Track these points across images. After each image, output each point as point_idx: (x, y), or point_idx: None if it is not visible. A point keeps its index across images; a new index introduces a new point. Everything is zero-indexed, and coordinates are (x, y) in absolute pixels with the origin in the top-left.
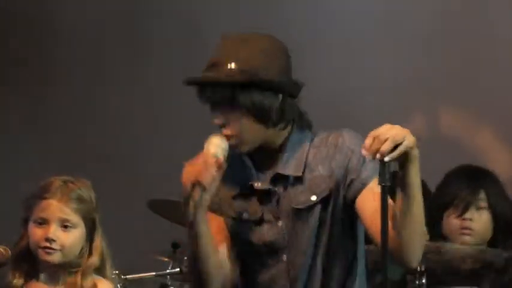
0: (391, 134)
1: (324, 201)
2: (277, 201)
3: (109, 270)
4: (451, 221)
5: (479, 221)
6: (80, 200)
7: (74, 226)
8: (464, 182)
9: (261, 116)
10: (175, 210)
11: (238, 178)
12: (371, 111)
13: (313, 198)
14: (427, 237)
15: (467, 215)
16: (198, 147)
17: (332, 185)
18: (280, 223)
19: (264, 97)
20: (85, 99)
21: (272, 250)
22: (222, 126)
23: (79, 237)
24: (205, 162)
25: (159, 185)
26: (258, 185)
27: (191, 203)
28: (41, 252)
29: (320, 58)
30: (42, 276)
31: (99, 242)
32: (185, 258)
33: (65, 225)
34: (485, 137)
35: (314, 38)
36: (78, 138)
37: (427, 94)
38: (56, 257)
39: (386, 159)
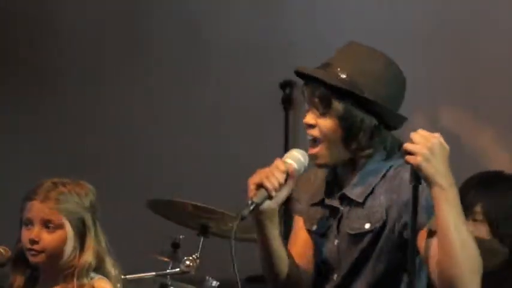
0: (417, 140)
1: (377, 232)
2: (339, 220)
3: (110, 268)
4: None
5: (474, 232)
6: (65, 201)
7: (57, 227)
8: (467, 191)
9: (349, 132)
10: (175, 210)
11: (318, 188)
12: None
13: (367, 226)
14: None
15: None
16: (197, 147)
17: (386, 218)
18: (336, 242)
19: (357, 114)
20: (85, 99)
21: (327, 266)
22: (310, 126)
23: (64, 238)
24: (276, 167)
25: (159, 185)
26: (328, 200)
27: (249, 204)
28: (28, 254)
29: (320, 58)
30: (41, 279)
31: (91, 241)
32: (184, 258)
33: (48, 226)
34: (485, 137)
35: (314, 38)
36: (78, 138)
37: (427, 94)
38: (40, 259)
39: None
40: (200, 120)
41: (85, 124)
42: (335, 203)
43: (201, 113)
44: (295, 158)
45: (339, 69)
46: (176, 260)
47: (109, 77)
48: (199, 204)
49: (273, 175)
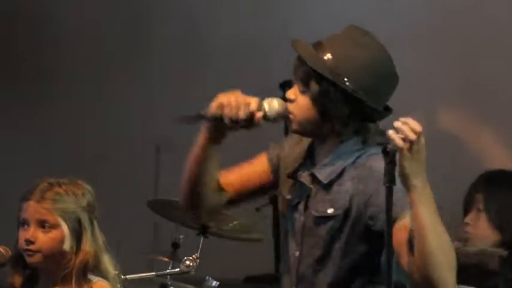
0: (399, 127)
1: (339, 218)
2: (308, 198)
3: (107, 266)
4: (461, 225)
5: (476, 224)
6: (60, 201)
7: (53, 226)
8: (471, 186)
9: (322, 115)
10: (175, 210)
11: (299, 157)
12: None
13: (330, 211)
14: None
15: (466, 219)
16: None
17: (349, 206)
18: (302, 218)
19: (334, 101)
20: (85, 98)
21: (293, 241)
22: (291, 101)
23: (60, 237)
24: (247, 102)
25: (159, 185)
26: (301, 174)
27: (200, 113)
28: (24, 254)
29: None
30: (40, 279)
31: (87, 241)
32: (184, 258)
33: (44, 226)
34: (485, 137)
35: (314, 38)
36: (78, 137)
37: (426, 94)
38: (36, 259)
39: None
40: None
41: (85, 124)
42: (307, 180)
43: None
44: (271, 104)
45: (328, 51)
46: (176, 260)
47: (109, 76)
48: None
49: (239, 108)
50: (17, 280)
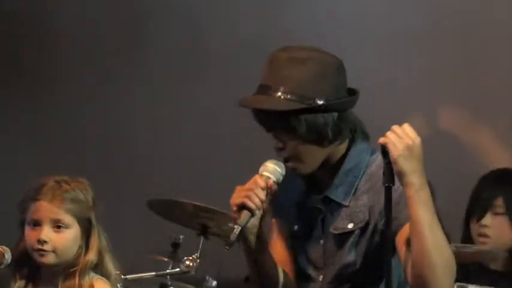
0: (394, 130)
1: (360, 231)
2: (323, 221)
3: (109, 265)
4: (472, 227)
5: (495, 227)
6: (72, 200)
7: (66, 226)
8: (486, 186)
9: (317, 137)
10: (175, 210)
11: (296, 189)
12: (370, 111)
13: (350, 226)
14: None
15: (483, 221)
16: (198, 147)
17: (369, 218)
18: (321, 242)
19: (318, 119)
20: (85, 98)
21: (312, 267)
22: (281, 149)
23: (73, 237)
24: (255, 184)
25: (159, 185)
26: (309, 201)
27: (235, 227)
28: (35, 254)
29: None
30: (42, 278)
31: (95, 239)
32: (184, 258)
33: (58, 226)
34: (485, 137)
35: (313, 39)
36: (78, 137)
37: (426, 94)
38: (49, 259)
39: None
40: (200, 119)
41: (85, 124)
42: (317, 203)
43: (201, 112)
44: (272, 170)
45: (281, 88)
46: (176, 260)
47: (109, 76)
48: (199, 204)
49: (254, 194)
50: (19, 279)
